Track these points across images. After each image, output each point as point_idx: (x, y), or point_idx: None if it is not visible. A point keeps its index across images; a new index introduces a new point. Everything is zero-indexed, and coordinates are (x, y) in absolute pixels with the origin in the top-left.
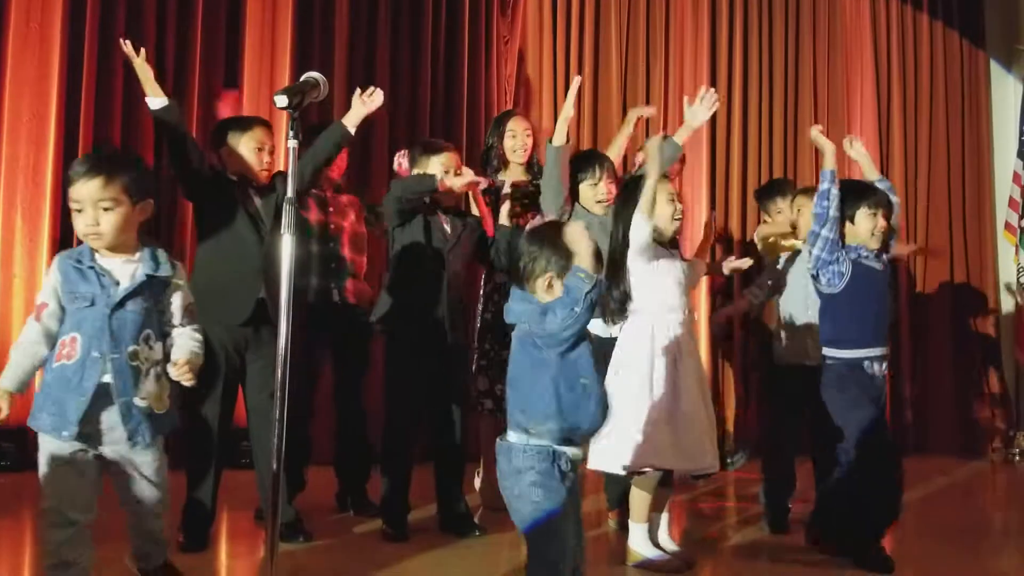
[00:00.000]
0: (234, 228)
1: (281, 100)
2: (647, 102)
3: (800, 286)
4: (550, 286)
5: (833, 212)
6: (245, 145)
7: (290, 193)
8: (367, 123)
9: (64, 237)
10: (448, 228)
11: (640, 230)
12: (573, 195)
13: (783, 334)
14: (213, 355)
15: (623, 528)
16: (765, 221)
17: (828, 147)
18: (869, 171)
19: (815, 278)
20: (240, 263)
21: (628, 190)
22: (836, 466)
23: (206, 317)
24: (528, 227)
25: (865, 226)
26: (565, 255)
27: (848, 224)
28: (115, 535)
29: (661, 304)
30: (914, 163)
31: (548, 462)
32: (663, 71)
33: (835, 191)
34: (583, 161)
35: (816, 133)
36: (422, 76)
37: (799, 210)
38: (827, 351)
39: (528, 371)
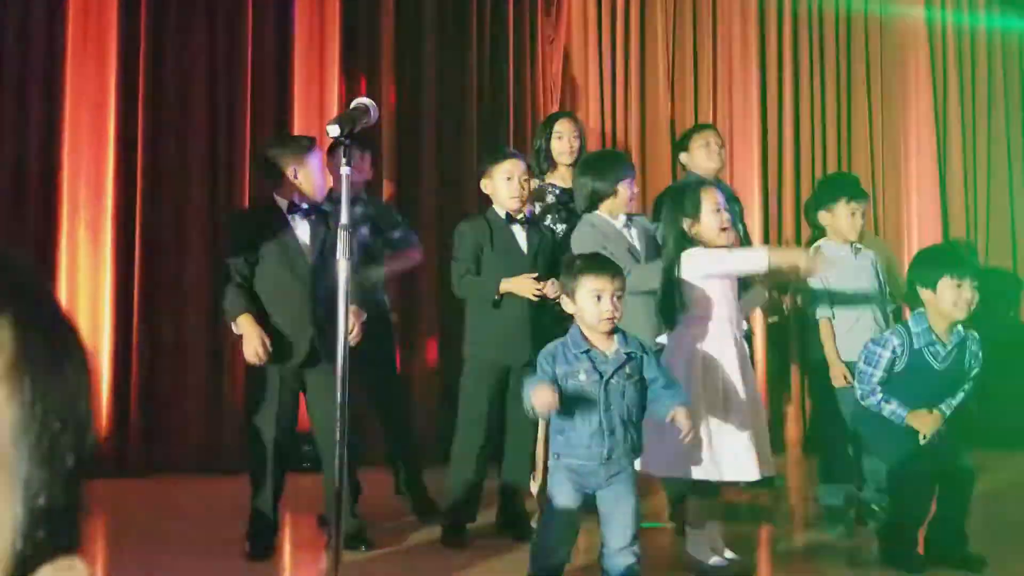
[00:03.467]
0: (281, 271)
1: (334, 129)
2: (695, 100)
3: (860, 283)
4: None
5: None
6: (310, 166)
7: (344, 219)
8: (415, 126)
9: (127, 246)
10: (524, 244)
11: (699, 271)
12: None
13: (834, 330)
14: (276, 369)
15: (682, 532)
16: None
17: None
18: None
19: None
20: (290, 308)
21: (676, 199)
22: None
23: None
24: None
25: (948, 298)
26: (569, 278)
27: (929, 292)
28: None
29: (709, 313)
30: (972, 171)
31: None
32: (711, 68)
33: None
34: (616, 163)
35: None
36: (468, 78)
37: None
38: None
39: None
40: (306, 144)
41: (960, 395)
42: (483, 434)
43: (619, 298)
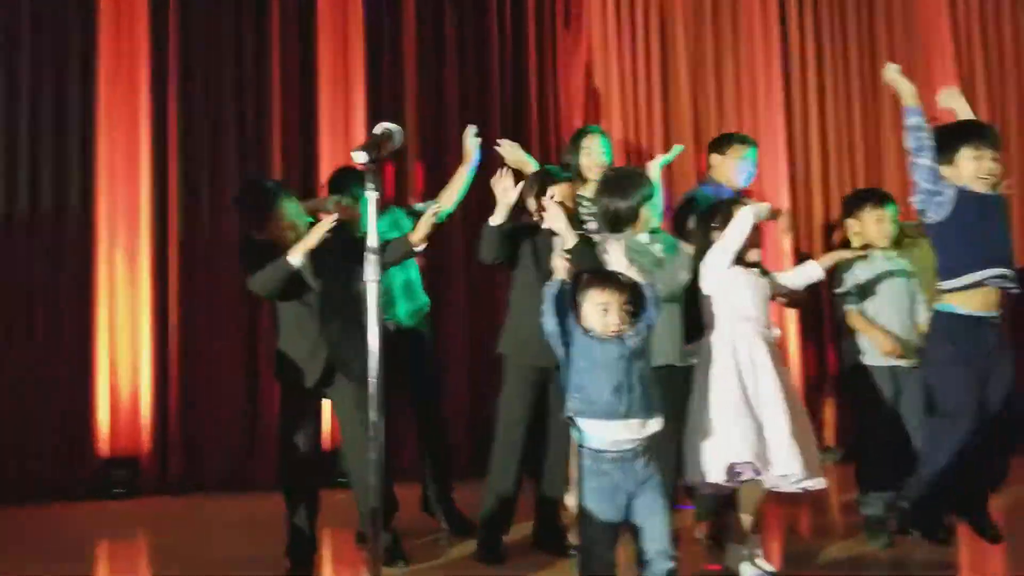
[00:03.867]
0: (287, 300)
1: (360, 156)
2: (719, 108)
3: (890, 289)
4: None
5: (927, 141)
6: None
7: (372, 242)
8: (443, 143)
9: (163, 268)
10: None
11: (716, 262)
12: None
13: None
14: (299, 390)
15: (713, 541)
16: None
17: (906, 87)
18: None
19: (921, 213)
20: (302, 333)
21: (709, 211)
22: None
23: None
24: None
25: (968, 168)
26: (578, 292)
27: (949, 167)
28: None
29: (736, 315)
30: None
31: (588, 459)
32: (734, 75)
33: (922, 122)
34: (637, 183)
35: (893, 74)
36: (490, 94)
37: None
38: (943, 284)
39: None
40: (270, 197)
41: None
42: (521, 443)
43: (626, 311)
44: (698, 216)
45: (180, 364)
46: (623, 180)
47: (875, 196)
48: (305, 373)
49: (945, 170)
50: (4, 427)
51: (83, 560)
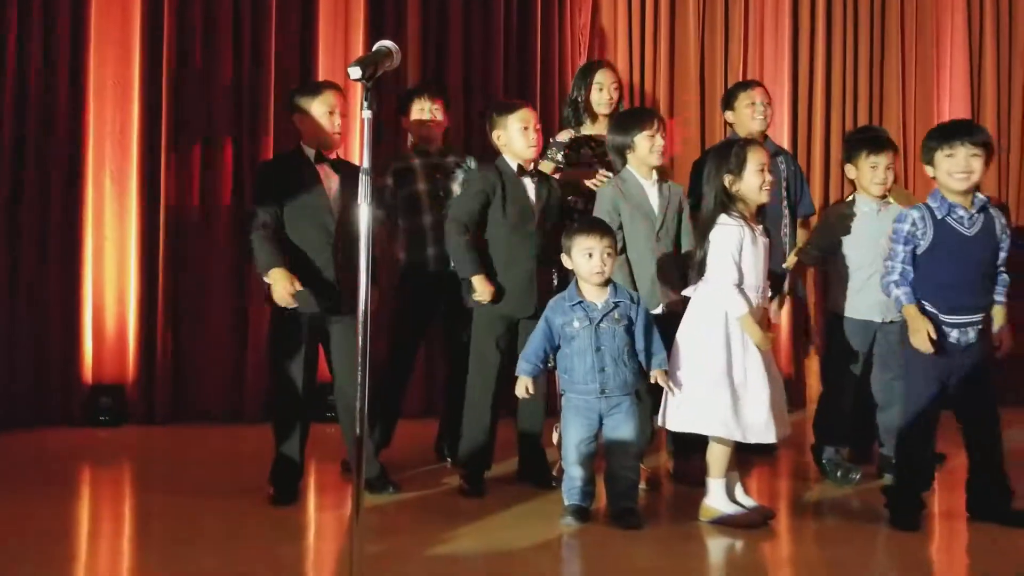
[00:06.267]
0: (305, 219)
1: (355, 72)
2: (725, 53)
3: (868, 239)
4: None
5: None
6: (317, 109)
7: (365, 164)
8: (440, 76)
9: (152, 197)
10: (534, 197)
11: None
12: (623, 151)
13: (847, 287)
14: (296, 318)
15: (678, 478)
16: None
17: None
18: None
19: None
20: (315, 252)
21: (721, 153)
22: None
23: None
24: None
25: (943, 168)
26: (567, 238)
27: (930, 168)
28: None
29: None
30: (1007, 125)
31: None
32: (742, 18)
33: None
34: (638, 115)
35: None
36: (495, 27)
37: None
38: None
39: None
40: (299, 94)
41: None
42: (495, 383)
43: (608, 255)
44: (713, 155)
45: (167, 292)
46: (624, 115)
47: (871, 142)
48: (314, 297)
49: (929, 171)
50: None
51: (65, 485)
